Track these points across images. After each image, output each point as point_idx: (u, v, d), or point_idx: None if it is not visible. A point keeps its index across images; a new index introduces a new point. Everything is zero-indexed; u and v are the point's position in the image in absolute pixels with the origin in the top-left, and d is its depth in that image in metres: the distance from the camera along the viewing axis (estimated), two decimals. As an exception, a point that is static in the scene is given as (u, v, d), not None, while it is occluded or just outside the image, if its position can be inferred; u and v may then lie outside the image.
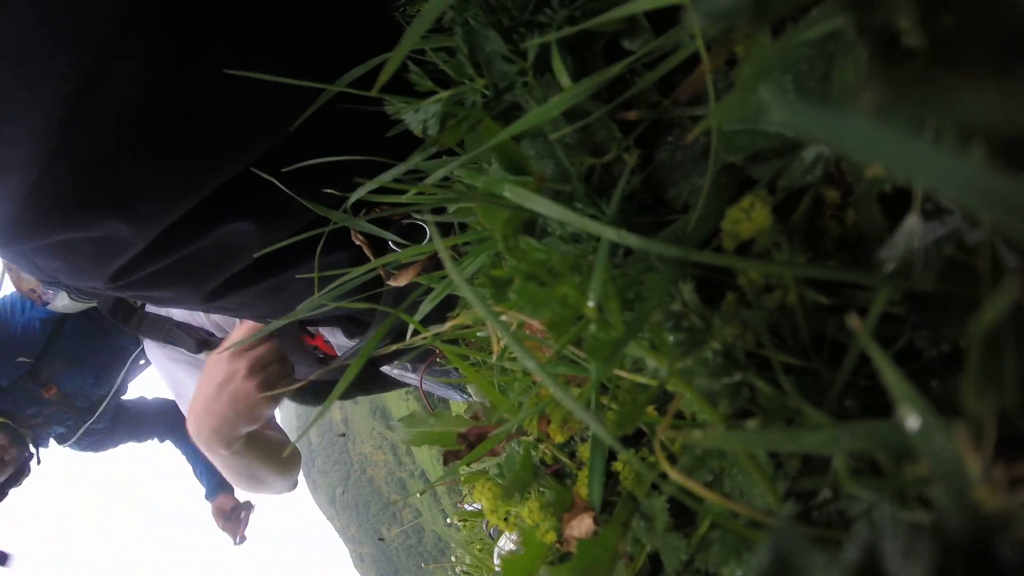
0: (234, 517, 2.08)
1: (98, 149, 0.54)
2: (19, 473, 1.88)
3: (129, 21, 0.50)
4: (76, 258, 0.63)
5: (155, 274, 0.67)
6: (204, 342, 1.20)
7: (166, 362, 1.27)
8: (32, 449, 1.90)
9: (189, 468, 2.17)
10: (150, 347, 1.29)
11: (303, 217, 0.66)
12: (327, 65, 0.61)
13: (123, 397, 2.11)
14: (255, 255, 0.67)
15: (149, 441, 2.25)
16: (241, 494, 2.13)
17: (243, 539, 2.12)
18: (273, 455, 1.17)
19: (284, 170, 0.59)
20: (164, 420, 2.16)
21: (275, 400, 0.93)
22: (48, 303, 1.72)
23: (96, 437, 2.05)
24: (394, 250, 0.68)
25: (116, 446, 2.17)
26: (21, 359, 1.79)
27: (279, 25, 0.60)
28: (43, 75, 0.49)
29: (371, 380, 1.66)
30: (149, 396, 2.30)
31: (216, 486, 2.10)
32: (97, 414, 1.97)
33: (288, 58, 0.61)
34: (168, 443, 2.22)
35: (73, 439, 1.99)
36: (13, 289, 1.76)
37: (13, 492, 1.95)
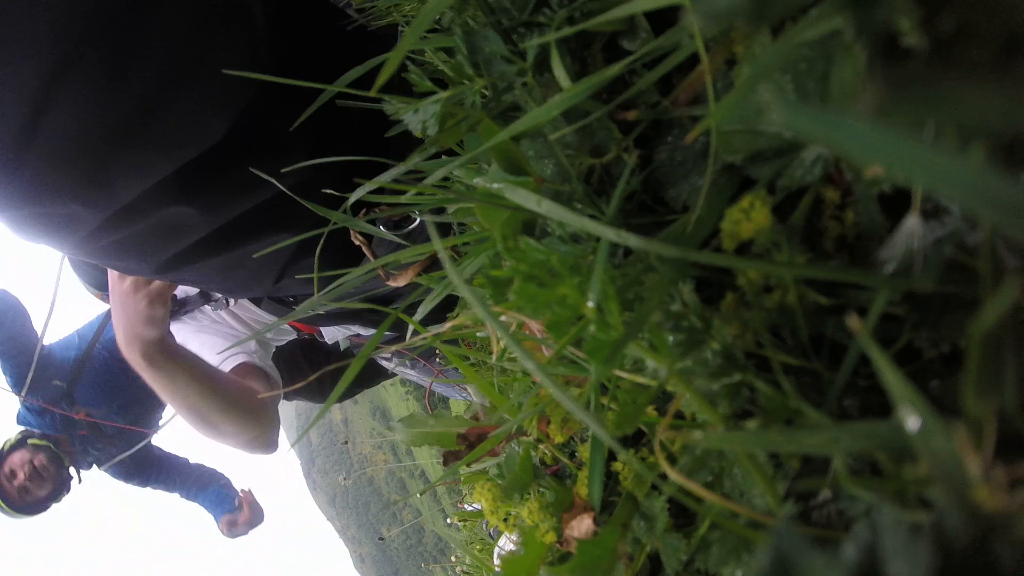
0: (241, 518, 2.10)
1: (66, 141, 0.66)
2: (58, 490, 2.02)
3: (74, 50, 0.61)
4: (50, 228, 0.77)
5: (112, 245, 0.81)
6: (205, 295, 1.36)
7: (189, 335, 1.37)
8: (72, 472, 2.03)
9: (194, 460, 2.28)
10: (174, 328, 1.38)
11: (246, 201, 0.79)
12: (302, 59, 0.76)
13: (159, 446, 2.20)
14: (199, 236, 0.81)
15: (175, 494, 2.30)
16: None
17: (245, 525, 2.10)
18: (230, 400, 1.24)
19: (284, 170, 0.61)
20: (190, 477, 2.25)
21: (159, 299, 1.09)
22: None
23: (126, 469, 2.11)
24: (387, 235, 0.70)
25: (146, 486, 2.23)
26: (56, 382, 1.94)
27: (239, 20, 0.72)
28: (17, 71, 0.60)
29: (369, 374, 1.68)
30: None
31: (217, 507, 2.14)
32: (125, 445, 2.05)
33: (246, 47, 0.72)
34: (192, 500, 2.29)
35: (106, 465, 2.08)
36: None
37: (55, 507, 2.10)
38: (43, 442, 1.94)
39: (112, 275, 1.09)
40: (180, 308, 1.37)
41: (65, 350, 1.97)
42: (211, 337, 1.35)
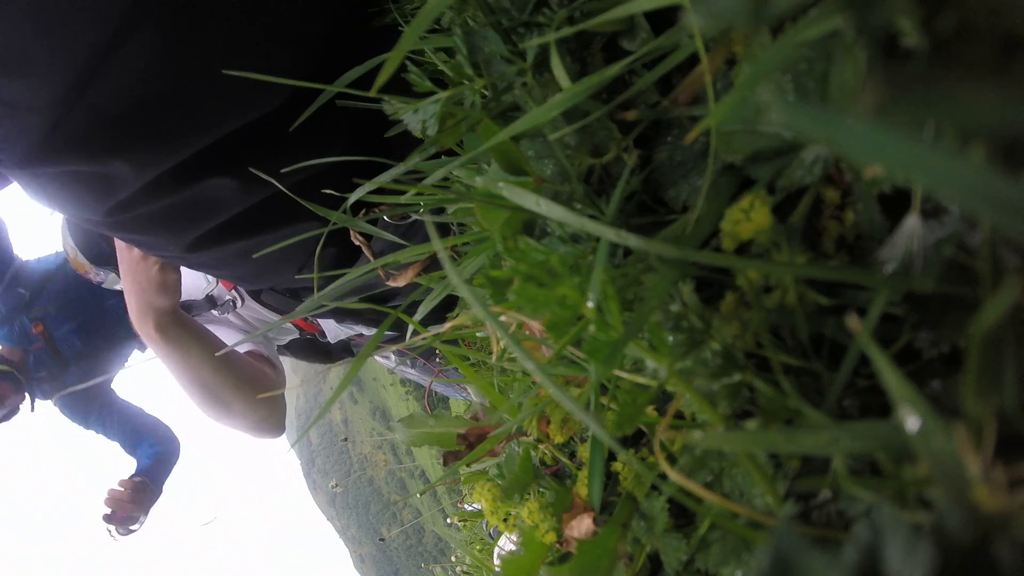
0: (129, 499, 1.78)
1: (114, 101, 0.65)
2: (9, 413, 1.91)
3: (138, 9, 0.60)
4: (80, 189, 0.74)
5: (145, 216, 0.78)
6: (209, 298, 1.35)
7: None
8: (28, 398, 1.93)
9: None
10: None
11: (283, 182, 0.75)
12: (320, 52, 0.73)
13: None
14: (232, 214, 0.79)
15: (115, 443, 2.11)
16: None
17: (121, 527, 1.76)
18: (242, 378, 1.23)
19: (283, 171, 0.61)
20: (129, 423, 2.07)
21: (172, 270, 1.07)
22: (102, 283, 1.80)
23: (73, 403, 2.01)
24: (387, 236, 0.69)
25: (88, 428, 2.10)
26: (20, 290, 1.90)
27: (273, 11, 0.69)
28: (68, 35, 0.59)
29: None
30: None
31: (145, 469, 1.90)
32: (79, 376, 1.96)
33: (279, 34, 0.70)
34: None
35: (56, 396, 1.98)
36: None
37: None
38: (7, 367, 1.85)
39: (120, 245, 1.05)
40: (186, 311, 1.34)
41: (40, 263, 1.93)
42: (218, 328, 1.34)
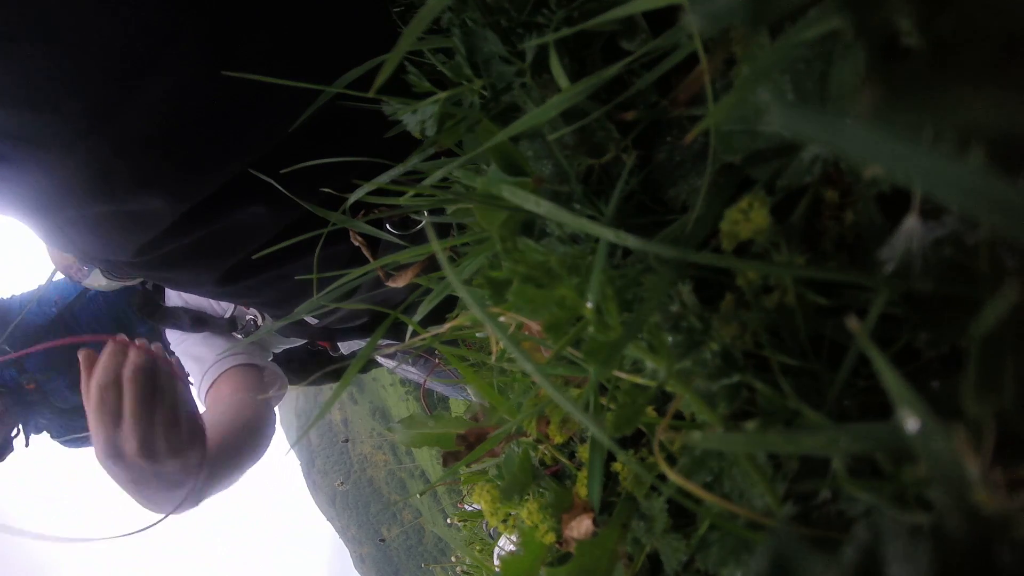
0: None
1: (142, 131, 0.59)
2: (1, 449, 1.83)
3: (179, 18, 0.56)
4: (107, 231, 0.67)
5: (176, 252, 0.71)
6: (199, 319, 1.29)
7: (191, 346, 1.32)
8: (20, 429, 1.84)
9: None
10: (174, 340, 1.35)
11: (314, 200, 0.70)
12: (341, 64, 0.65)
13: None
14: (264, 240, 0.72)
15: None
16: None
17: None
18: (252, 443, 1.15)
19: (283, 171, 0.61)
20: None
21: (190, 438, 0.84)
22: (83, 280, 1.73)
23: (82, 442, 2.01)
24: (391, 238, 0.69)
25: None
26: (4, 347, 1.76)
27: (305, 27, 0.65)
28: (94, 61, 0.54)
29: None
30: None
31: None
32: (80, 424, 1.93)
33: (309, 57, 0.65)
34: None
35: (61, 440, 1.96)
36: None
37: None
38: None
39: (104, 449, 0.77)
40: (202, 325, 1.31)
41: (22, 308, 1.77)
42: (217, 339, 1.32)
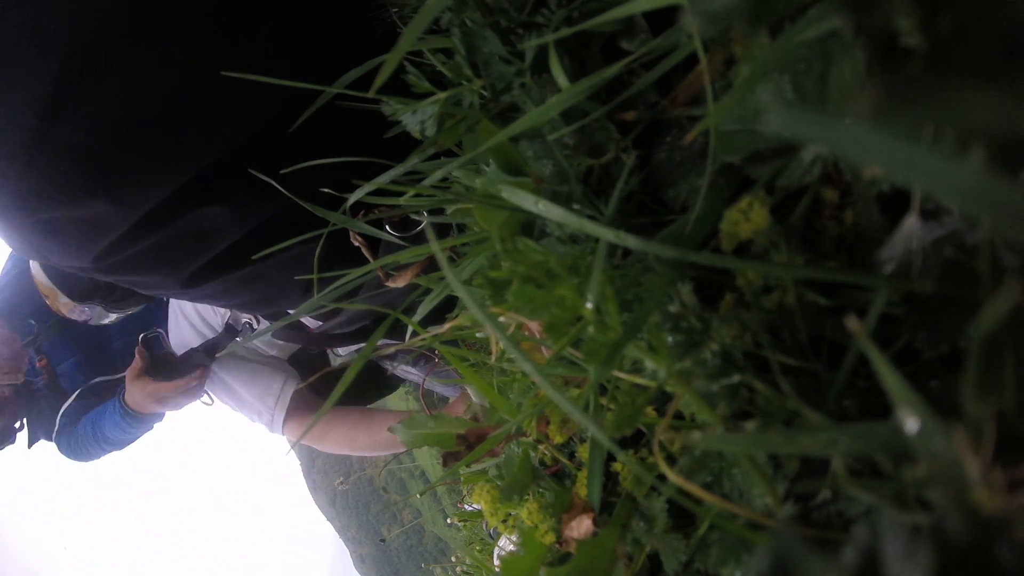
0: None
1: (84, 137, 0.59)
2: (2, 437, 1.82)
3: (120, 17, 0.56)
4: (63, 237, 0.69)
5: (136, 256, 0.73)
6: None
7: (238, 364, 1.45)
8: (24, 424, 1.83)
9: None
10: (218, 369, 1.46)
11: (275, 204, 0.71)
12: (314, 62, 0.67)
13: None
14: (229, 242, 0.74)
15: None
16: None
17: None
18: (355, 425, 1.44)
19: (283, 172, 0.60)
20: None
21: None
22: (89, 320, 1.72)
23: (70, 437, 1.97)
24: (391, 238, 0.69)
25: (98, 456, 2.07)
26: (31, 321, 1.79)
27: (257, 22, 0.65)
28: (29, 69, 0.55)
29: (380, 384, 1.72)
30: None
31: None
32: (69, 401, 1.91)
33: (271, 53, 0.66)
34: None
35: (54, 431, 1.94)
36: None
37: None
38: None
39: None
40: (212, 351, 1.40)
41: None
42: (254, 366, 1.44)
